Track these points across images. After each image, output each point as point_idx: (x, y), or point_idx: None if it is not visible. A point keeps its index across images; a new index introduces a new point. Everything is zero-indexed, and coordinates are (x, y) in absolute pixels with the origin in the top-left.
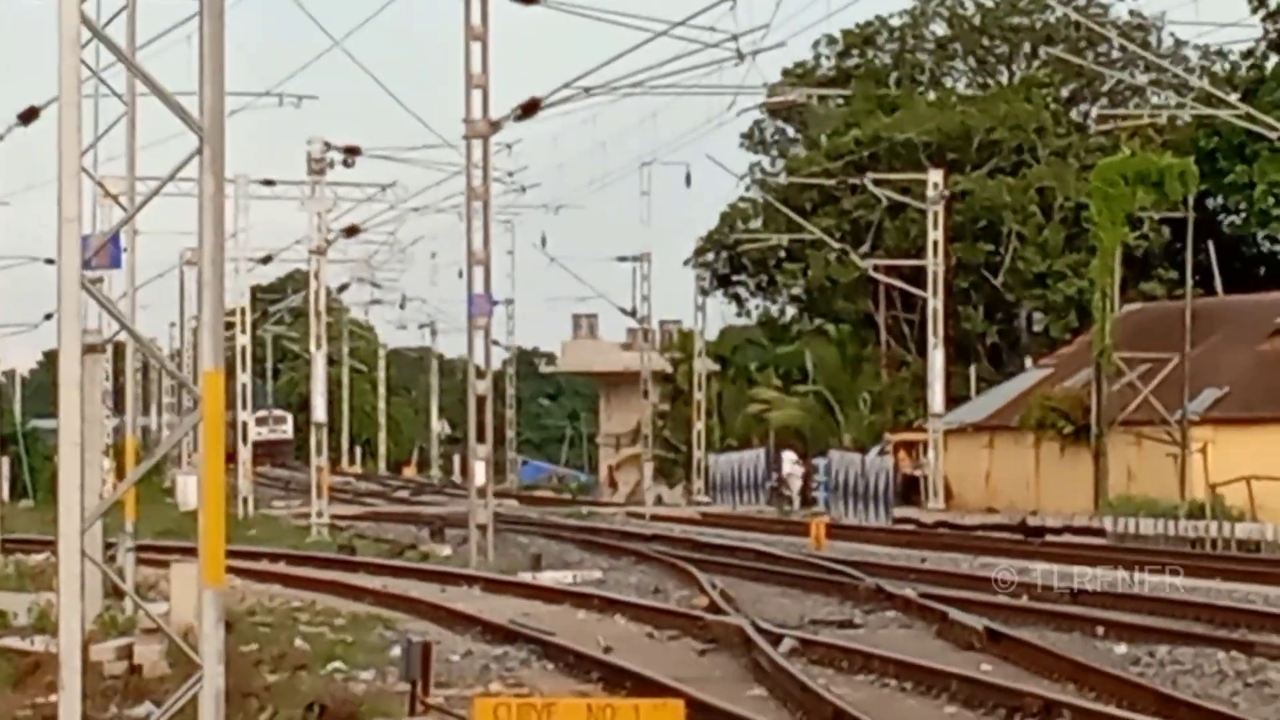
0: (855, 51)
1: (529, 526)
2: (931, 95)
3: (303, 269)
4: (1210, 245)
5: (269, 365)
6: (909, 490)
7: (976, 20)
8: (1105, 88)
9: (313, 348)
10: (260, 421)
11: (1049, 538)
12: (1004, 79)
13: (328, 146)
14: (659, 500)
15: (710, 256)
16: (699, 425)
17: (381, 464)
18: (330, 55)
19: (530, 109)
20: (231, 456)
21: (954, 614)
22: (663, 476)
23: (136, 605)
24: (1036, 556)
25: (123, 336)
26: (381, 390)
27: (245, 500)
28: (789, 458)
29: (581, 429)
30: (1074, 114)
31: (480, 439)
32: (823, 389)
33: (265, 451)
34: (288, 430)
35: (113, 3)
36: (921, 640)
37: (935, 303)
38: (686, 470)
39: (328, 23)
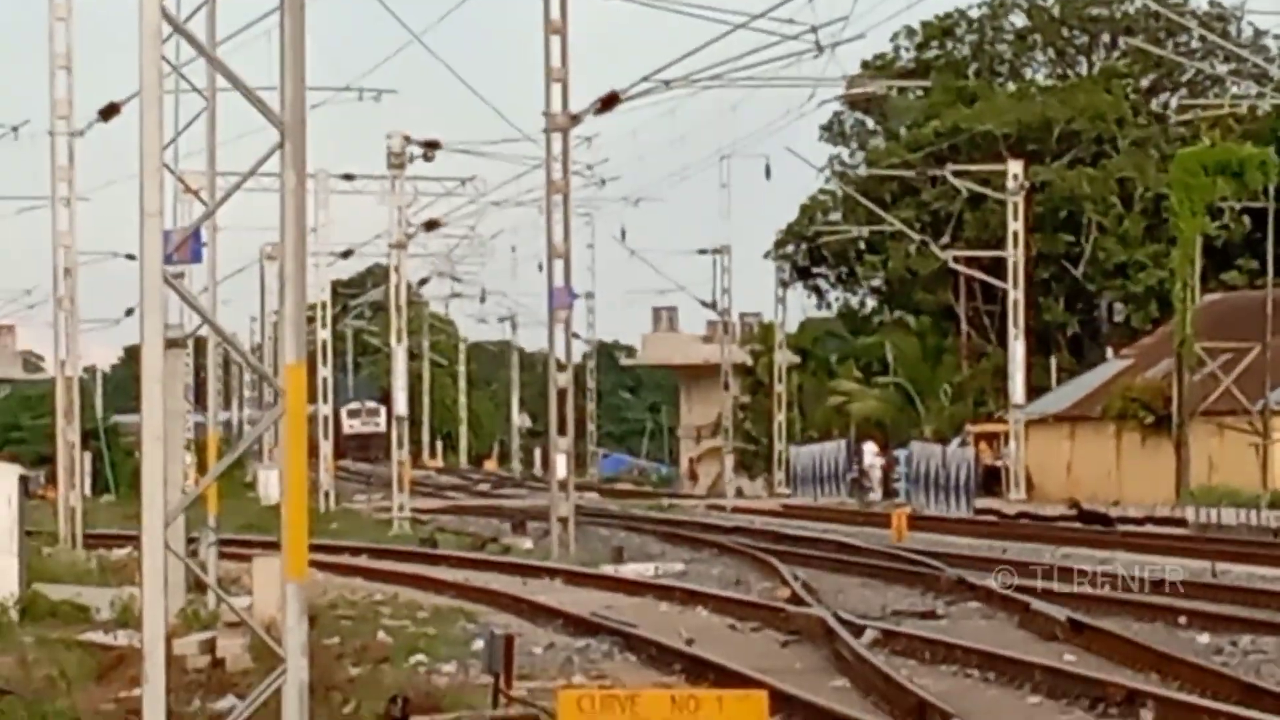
0: (934, 43)
1: (610, 519)
2: (1011, 86)
3: (383, 263)
4: None
5: (349, 359)
6: (990, 481)
7: (1056, 11)
8: (1185, 78)
9: (393, 341)
10: (353, 414)
11: (1129, 528)
12: (1083, 70)
13: (408, 141)
14: (740, 493)
15: (790, 249)
16: (780, 417)
17: (463, 457)
18: (410, 50)
19: (610, 102)
20: (313, 450)
21: (1036, 604)
22: (743, 469)
23: (219, 599)
24: (1118, 547)
25: (204, 331)
26: (462, 384)
27: (327, 494)
28: (870, 449)
29: (662, 422)
30: (1154, 104)
31: (561, 432)
32: (903, 380)
33: (358, 445)
34: (381, 423)
35: None
36: (1004, 631)
37: (1016, 294)
38: (767, 462)
39: (407, 17)
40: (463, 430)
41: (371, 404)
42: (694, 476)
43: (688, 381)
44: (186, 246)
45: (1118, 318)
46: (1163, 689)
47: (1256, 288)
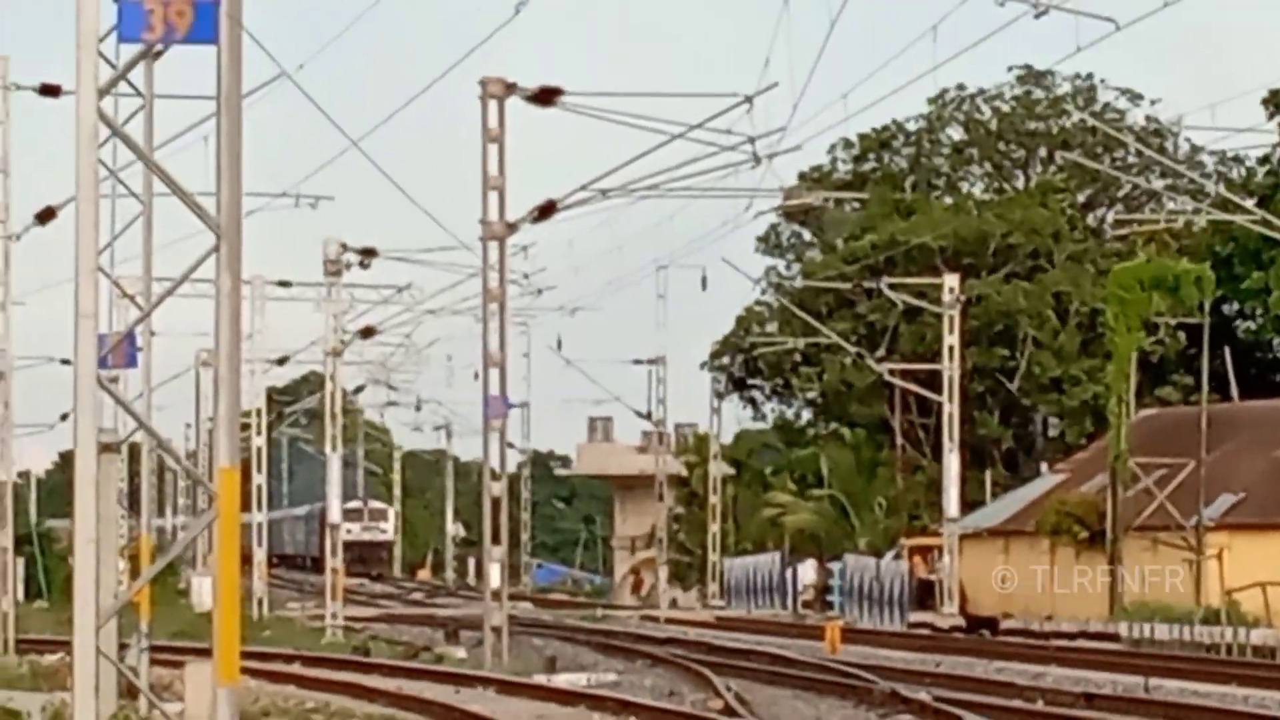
0: (871, 155)
1: (544, 629)
2: (948, 200)
3: (318, 370)
4: (1226, 351)
5: (285, 468)
6: (924, 595)
7: (993, 125)
8: (1121, 193)
9: (328, 449)
10: (351, 515)
11: (1063, 643)
12: (1020, 184)
13: (344, 248)
14: (673, 604)
15: (726, 360)
16: (714, 528)
17: (396, 566)
18: (347, 156)
19: (547, 211)
20: (247, 559)
21: (969, 718)
22: (677, 580)
23: (151, 704)
24: (1051, 661)
25: (139, 436)
26: (396, 493)
27: (260, 601)
28: (810, 565)
29: (596, 532)
30: (1090, 219)
31: (495, 541)
32: (838, 493)
33: (357, 556)
34: (388, 529)
35: (130, 102)
36: None
37: (951, 407)
38: (701, 574)
39: (345, 123)
40: (397, 539)
41: (377, 504)
42: (638, 586)
43: (622, 492)
44: (121, 350)
45: (1052, 432)
46: None
47: (1191, 404)
